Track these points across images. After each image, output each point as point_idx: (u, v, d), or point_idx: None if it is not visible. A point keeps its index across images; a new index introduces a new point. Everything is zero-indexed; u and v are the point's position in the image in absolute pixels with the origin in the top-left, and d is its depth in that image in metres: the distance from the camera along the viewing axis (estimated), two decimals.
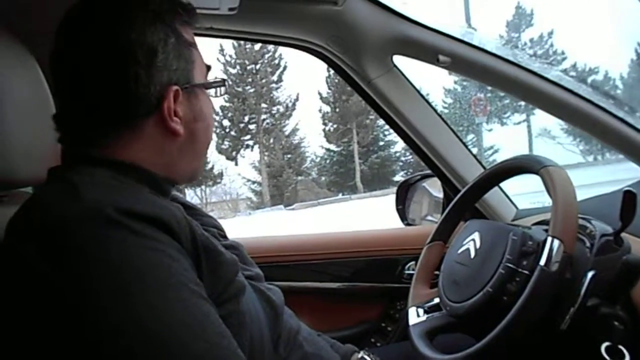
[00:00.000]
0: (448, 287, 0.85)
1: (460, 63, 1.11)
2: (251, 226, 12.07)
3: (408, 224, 1.47)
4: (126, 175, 0.63)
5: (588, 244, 0.77)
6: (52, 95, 0.73)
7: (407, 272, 1.29)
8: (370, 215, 10.35)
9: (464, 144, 1.24)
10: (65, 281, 0.52)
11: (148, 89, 0.63)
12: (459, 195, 0.96)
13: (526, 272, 0.74)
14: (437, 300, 0.88)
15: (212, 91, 0.72)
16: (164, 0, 0.65)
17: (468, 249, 0.85)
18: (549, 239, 0.71)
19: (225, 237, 0.80)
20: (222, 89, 0.72)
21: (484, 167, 1.24)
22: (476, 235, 0.85)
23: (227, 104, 19.79)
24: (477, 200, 0.97)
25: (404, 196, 1.50)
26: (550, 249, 0.70)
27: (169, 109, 0.65)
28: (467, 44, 1.09)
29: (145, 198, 0.60)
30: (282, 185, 19.76)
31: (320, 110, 20.15)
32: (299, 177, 19.99)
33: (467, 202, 0.96)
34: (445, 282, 0.86)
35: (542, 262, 0.70)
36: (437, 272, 0.93)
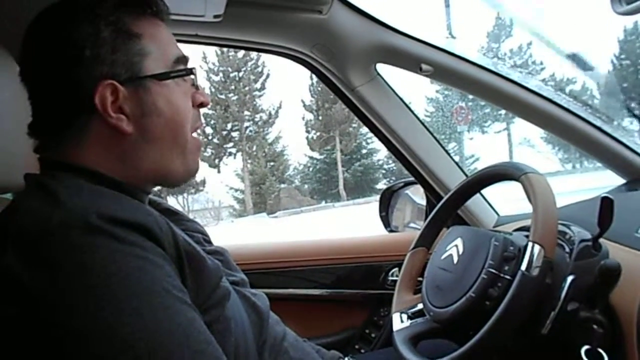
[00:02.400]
0: (431, 293, 0.85)
1: (442, 72, 1.12)
2: (234, 234, 11.95)
3: (391, 231, 1.48)
4: (93, 181, 0.61)
5: (567, 250, 0.79)
6: None
7: (390, 278, 1.30)
8: (353, 223, 10.36)
9: (446, 151, 1.25)
10: (48, 290, 0.51)
11: (79, 86, 0.61)
12: (441, 202, 0.97)
13: (508, 277, 0.75)
14: (420, 306, 0.88)
15: (195, 81, 0.67)
16: None
17: (451, 255, 0.85)
18: (530, 244, 0.72)
19: (209, 242, 0.79)
20: (191, 77, 0.66)
21: (466, 175, 1.25)
22: (459, 241, 0.86)
23: (210, 112, 19.66)
24: (459, 207, 0.98)
25: (387, 203, 1.51)
26: (531, 254, 0.71)
27: (104, 104, 0.61)
28: (450, 53, 1.11)
29: (127, 203, 0.59)
30: (265, 193, 19.67)
31: (303, 118, 20.18)
32: (282, 185, 19.94)
33: (449, 208, 0.97)
34: (429, 288, 0.86)
35: (523, 267, 0.71)
36: (420, 279, 0.94)
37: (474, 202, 1.25)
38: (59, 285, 0.51)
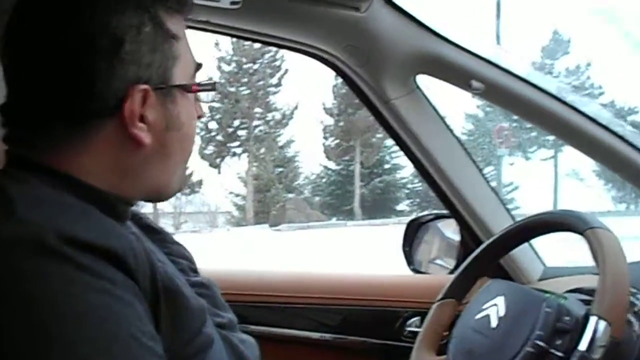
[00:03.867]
0: (461, 358, 0.82)
1: (494, 91, 1.10)
2: (228, 244, 12.00)
3: (415, 270, 1.45)
4: (69, 191, 0.58)
5: (636, 327, 0.74)
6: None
7: (409, 329, 1.27)
8: (366, 247, 10.33)
9: (489, 186, 1.23)
10: None
11: (107, 85, 0.59)
12: (481, 248, 0.94)
13: (560, 354, 0.71)
14: None
15: (199, 95, 0.68)
16: None
17: (488, 316, 0.82)
18: (593, 318, 0.68)
19: (195, 271, 0.76)
20: (210, 93, 0.69)
21: (511, 216, 1.22)
22: (500, 300, 0.82)
23: (217, 105, 19.87)
24: (502, 256, 0.96)
25: (412, 236, 1.48)
26: (594, 331, 0.67)
27: (132, 111, 0.60)
28: (506, 71, 1.08)
29: (97, 222, 0.56)
30: (269, 201, 19.76)
31: (321, 122, 20.29)
32: (290, 195, 20.01)
33: (490, 257, 0.94)
34: (458, 351, 0.84)
35: (583, 346, 0.67)
36: (446, 333, 0.92)
37: (518, 249, 1.20)
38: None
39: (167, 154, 0.65)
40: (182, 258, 0.75)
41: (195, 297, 0.65)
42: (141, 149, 0.62)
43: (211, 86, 0.68)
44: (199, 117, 0.70)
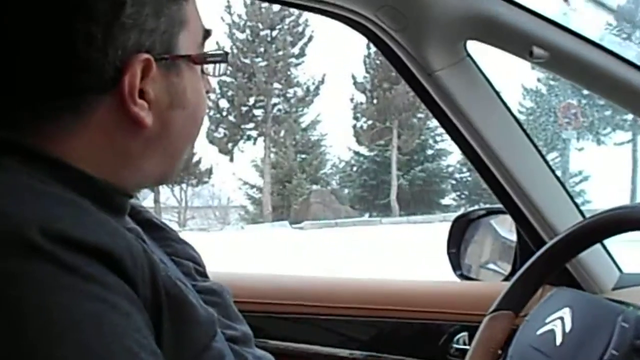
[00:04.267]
0: None
1: (560, 59, 1.09)
2: (242, 245, 12.13)
3: (462, 276, 1.46)
4: (58, 179, 0.58)
5: None
6: None
7: (456, 346, 1.27)
8: (405, 249, 10.32)
9: (554, 175, 1.22)
10: None
11: (104, 54, 0.59)
12: (543, 250, 0.93)
13: None
14: None
15: (206, 67, 0.68)
16: None
17: (552, 332, 0.83)
18: None
19: (204, 275, 0.77)
20: (222, 65, 0.69)
21: (580, 211, 1.22)
22: (566, 313, 0.83)
23: (228, 79, 20.02)
24: (569, 259, 0.95)
25: (459, 236, 1.50)
26: None
27: (132, 86, 0.61)
28: (575, 35, 1.06)
29: (89, 216, 0.56)
30: (290, 194, 19.91)
31: (352, 100, 20.29)
32: (314, 186, 20.10)
33: (554, 260, 0.93)
34: None
35: None
36: (500, 352, 0.92)
37: (589, 251, 1.19)
38: None
39: (172, 136, 0.65)
40: (188, 259, 0.76)
41: (204, 306, 0.65)
42: (141, 131, 0.63)
43: (222, 57, 0.68)
44: (208, 93, 0.70)
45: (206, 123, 20.10)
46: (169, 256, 0.73)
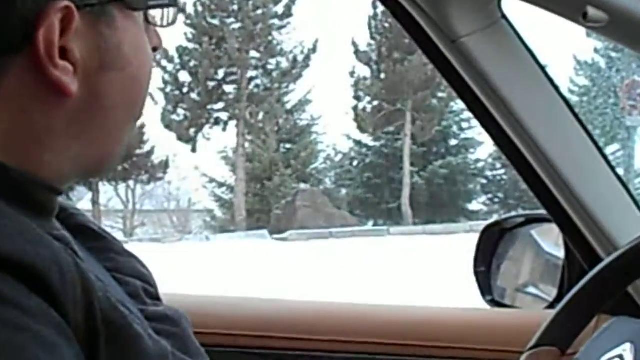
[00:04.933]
0: None
1: (622, 24, 1.09)
2: (206, 261, 12.12)
3: (494, 303, 1.48)
4: None
5: None
6: None
7: None
8: (421, 269, 10.32)
9: (614, 173, 1.23)
10: None
11: (8, 4, 0.59)
12: (600, 268, 0.94)
13: None
14: None
15: (150, 15, 0.69)
16: None
17: None
18: None
19: (155, 297, 0.78)
20: (171, 11, 0.69)
21: None
22: (627, 350, 0.86)
23: (190, 45, 20.01)
24: (631, 281, 0.96)
25: (491, 251, 1.52)
26: None
27: (49, 43, 0.61)
28: None
29: (1, 220, 0.57)
30: (270, 195, 19.95)
31: (352, 74, 20.35)
32: (302, 186, 20.14)
33: (613, 282, 0.94)
34: None
35: None
36: None
37: None
38: None
39: (105, 107, 0.65)
40: (135, 277, 0.76)
41: (154, 337, 0.66)
42: (64, 101, 0.63)
43: (169, 0, 0.68)
44: (155, 50, 0.70)
45: (161, 102, 20.14)
46: (110, 272, 0.74)
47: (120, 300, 0.65)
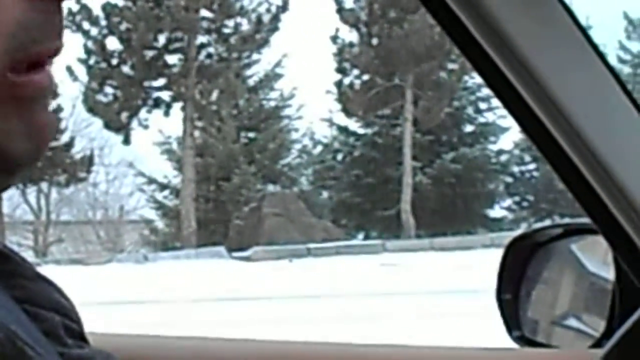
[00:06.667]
0: None
1: None
2: (142, 290, 12.08)
3: (524, 340, 1.49)
4: None
5: None
6: None
7: None
8: (426, 297, 10.33)
9: None
10: None
11: None
12: None
13: None
14: None
15: None
16: None
17: None
18: None
19: (78, 336, 0.79)
20: None
21: None
22: None
23: (120, 2, 19.93)
24: None
25: (519, 272, 1.54)
26: None
27: None
28: None
29: None
30: (228, 200, 19.92)
31: (335, 40, 20.36)
32: (270, 187, 20.17)
33: None
34: None
35: None
36: None
37: None
38: None
39: None
40: (52, 310, 0.77)
41: None
42: None
43: None
44: None
45: (83, 78, 19.87)
46: (21, 304, 0.74)
47: (28, 342, 0.65)
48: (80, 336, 0.79)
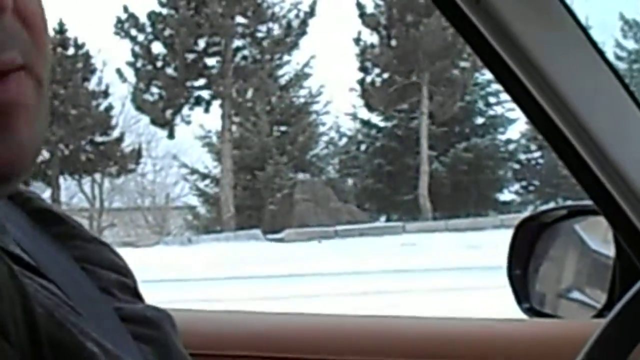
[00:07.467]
0: None
1: None
2: (187, 268, 12.11)
3: (532, 311, 1.49)
4: None
5: None
6: None
7: None
8: (442, 273, 10.31)
9: None
10: None
11: None
12: None
13: None
14: None
15: None
16: None
17: None
18: None
19: (134, 293, 0.79)
20: None
21: None
22: None
23: (164, 10, 19.95)
24: None
25: (527, 250, 1.53)
26: None
27: None
28: None
29: None
30: (263, 187, 19.93)
31: (358, 42, 20.30)
32: (301, 176, 20.16)
33: None
34: None
35: None
36: None
37: None
38: None
39: None
40: (108, 269, 0.77)
41: (112, 354, 0.65)
42: None
43: None
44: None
45: (131, 79, 20.01)
46: (79, 263, 0.74)
47: (65, 316, 0.63)
48: (134, 292, 0.79)
